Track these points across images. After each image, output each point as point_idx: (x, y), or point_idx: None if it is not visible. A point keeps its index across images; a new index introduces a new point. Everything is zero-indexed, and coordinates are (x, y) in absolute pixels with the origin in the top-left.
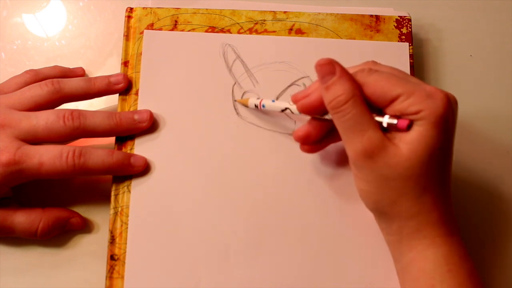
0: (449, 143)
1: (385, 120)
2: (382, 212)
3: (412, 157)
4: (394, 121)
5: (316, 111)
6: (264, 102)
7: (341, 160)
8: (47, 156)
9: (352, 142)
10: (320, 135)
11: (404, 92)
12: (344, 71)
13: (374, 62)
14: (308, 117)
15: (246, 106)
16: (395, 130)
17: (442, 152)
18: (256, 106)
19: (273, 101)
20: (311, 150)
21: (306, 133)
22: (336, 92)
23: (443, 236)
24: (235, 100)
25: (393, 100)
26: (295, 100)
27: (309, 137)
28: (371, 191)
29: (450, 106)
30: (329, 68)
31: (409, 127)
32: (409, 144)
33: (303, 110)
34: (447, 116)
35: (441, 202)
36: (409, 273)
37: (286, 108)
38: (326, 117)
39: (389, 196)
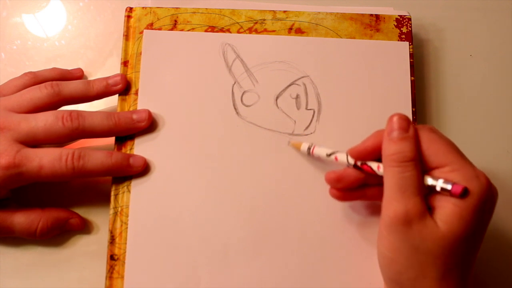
0: (483, 231)
1: (439, 183)
2: (399, 285)
3: (448, 236)
4: (448, 186)
5: (366, 156)
6: (316, 148)
7: None
8: (47, 159)
9: (396, 202)
10: (350, 184)
11: (454, 163)
12: (416, 133)
13: (434, 128)
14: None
15: (298, 150)
16: (440, 194)
17: (475, 238)
18: (308, 150)
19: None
20: (338, 196)
21: (338, 176)
22: (404, 148)
23: None
24: (289, 143)
25: (439, 166)
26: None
27: (339, 182)
28: (395, 260)
29: (492, 193)
30: (404, 124)
31: (463, 195)
32: (447, 223)
33: (352, 153)
34: (490, 202)
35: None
36: None
37: (332, 153)
38: (374, 168)
39: (414, 270)
